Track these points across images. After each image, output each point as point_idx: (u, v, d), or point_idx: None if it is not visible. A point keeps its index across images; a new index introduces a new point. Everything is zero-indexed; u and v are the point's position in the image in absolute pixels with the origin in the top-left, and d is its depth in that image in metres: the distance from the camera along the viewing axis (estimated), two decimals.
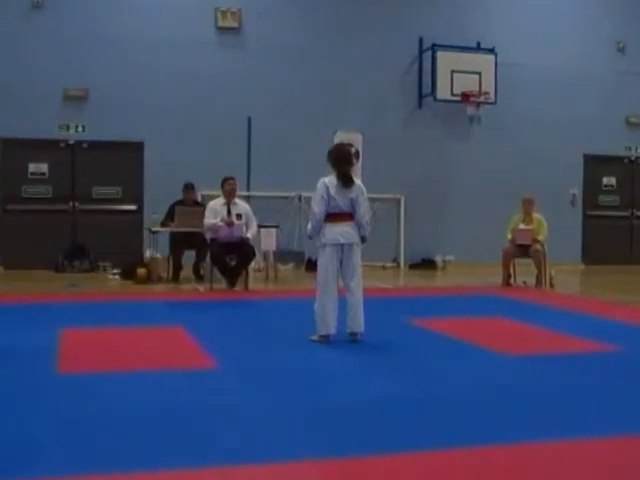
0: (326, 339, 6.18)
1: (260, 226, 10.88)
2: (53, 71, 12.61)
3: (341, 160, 6.32)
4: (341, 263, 6.32)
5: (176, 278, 11.11)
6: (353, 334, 6.26)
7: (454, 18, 14.35)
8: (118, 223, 12.99)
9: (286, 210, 13.31)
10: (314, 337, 6.23)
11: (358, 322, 6.26)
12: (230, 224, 9.88)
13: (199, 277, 11.21)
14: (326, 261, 6.28)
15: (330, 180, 6.28)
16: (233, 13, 13.40)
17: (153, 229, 11.01)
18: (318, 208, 6.26)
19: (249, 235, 10.04)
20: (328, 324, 6.20)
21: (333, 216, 6.28)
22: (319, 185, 6.28)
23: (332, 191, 6.23)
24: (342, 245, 6.27)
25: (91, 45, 12.75)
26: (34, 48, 12.58)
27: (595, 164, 15.49)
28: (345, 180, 6.26)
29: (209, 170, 11.90)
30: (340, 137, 13.45)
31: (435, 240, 14.25)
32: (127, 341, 6.25)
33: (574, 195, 15.41)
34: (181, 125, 13.12)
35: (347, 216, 6.31)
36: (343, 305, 6.30)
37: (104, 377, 4.88)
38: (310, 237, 6.63)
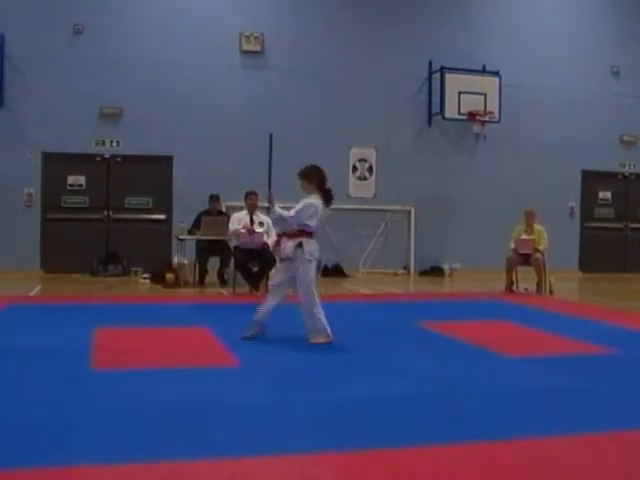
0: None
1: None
2: (90, 91, 12.66)
3: (325, 180, 6.24)
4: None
5: (202, 282, 11.10)
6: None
7: (462, 43, 14.29)
8: (149, 231, 13.02)
9: None
10: (321, 339, 6.11)
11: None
12: (251, 232, 9.91)
13: (223, 282, 11.22)
14: (313, 274, 6.27)
15: (318, 201, 6.16)
16: (256, 38, 13.45)
17: (181, 237, 11.03)
18: (312, 222, 6.09)
19: (269, 241, 10.06)
20: (326, 327, 6.15)
21: (312, 234, 6.22)
22: (315, 205, 6.12)
23: (319, 212, 6.16)
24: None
25: (125, 67, 12.80)
26: (74, 70, 12.64)
27: (592, 179, 15.39)
28: (329, 200, 6.21)
29: (233, 182, 11.89)
30: (355, 152, 13.47)
31: (443, 249, 14.17)
32: (156, 340, 6.24)
33: (572, 208, 15.31)
34: (207, 141, 13.13)
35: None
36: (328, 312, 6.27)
37: (135, 373, 4.86)
38: (275, 222, 6.80)
